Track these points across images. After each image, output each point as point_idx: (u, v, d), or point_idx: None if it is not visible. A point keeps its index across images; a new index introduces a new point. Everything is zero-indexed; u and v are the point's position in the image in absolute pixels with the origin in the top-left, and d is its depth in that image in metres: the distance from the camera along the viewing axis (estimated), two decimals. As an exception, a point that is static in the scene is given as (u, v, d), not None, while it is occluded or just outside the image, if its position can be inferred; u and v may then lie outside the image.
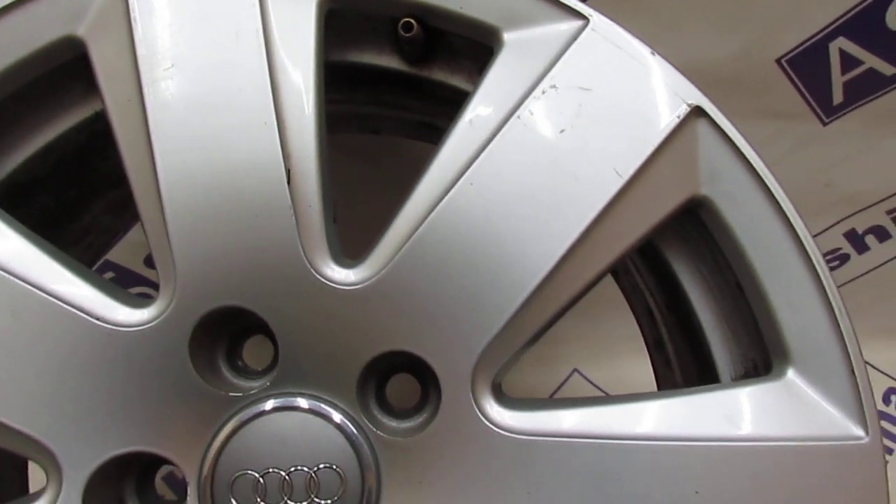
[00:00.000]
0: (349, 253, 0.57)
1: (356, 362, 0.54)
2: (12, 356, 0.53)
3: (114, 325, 0.53)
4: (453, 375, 0.53)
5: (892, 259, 1.21)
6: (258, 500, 0.53)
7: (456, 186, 0.52)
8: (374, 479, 0.54)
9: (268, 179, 0.52)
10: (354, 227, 0.66)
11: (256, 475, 0.54)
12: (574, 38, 0.53)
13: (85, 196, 0.75)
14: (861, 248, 1.19)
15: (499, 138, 0.53)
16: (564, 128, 0.53)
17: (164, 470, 0.63)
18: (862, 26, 0.92)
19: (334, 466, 0.54)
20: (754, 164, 0.53)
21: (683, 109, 0.53)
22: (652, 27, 0.90)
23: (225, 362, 0.58)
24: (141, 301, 0.55)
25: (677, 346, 0.72)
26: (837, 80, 0.97)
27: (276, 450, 0.54)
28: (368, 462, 0.54)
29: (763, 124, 1.00)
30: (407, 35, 0.57)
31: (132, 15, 0.53)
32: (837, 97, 0.98)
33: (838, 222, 1.14)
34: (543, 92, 0.53)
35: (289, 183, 0.53)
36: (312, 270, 0.53)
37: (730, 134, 0.54)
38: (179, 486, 0.62)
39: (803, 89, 0.97)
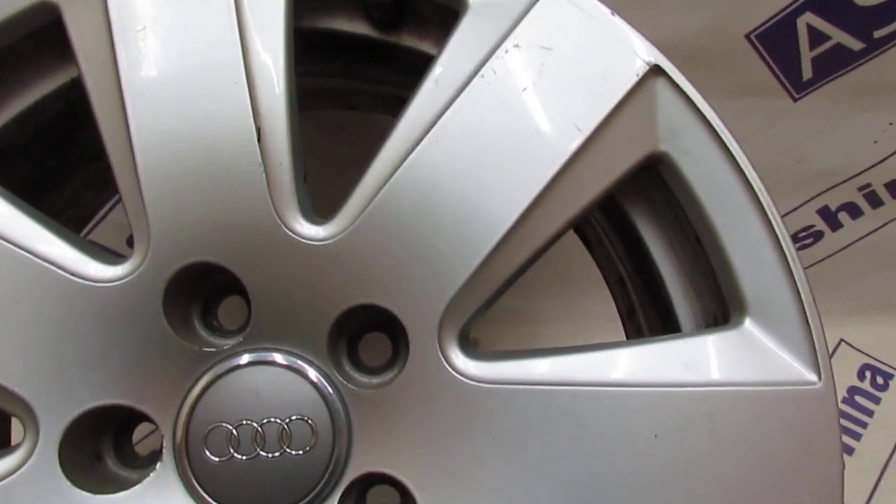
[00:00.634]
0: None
1: (327, 316, 0.55)
2: (-12, 311, 0.54)
3: (88, 280, 0.54)
4: (420, 327, 0.54)
5: (865, 236, 1.23)
6: (232, 451, 0.55)
7: (422, 143, 0.54)
8: (345, 430, 0.55)
9: (238, 137, 0.54)
10: (332, 201, 0.67)
11: (230, 427, 0.55)
12: (536, -1, 0.55)
13: (64, 168, 0.76)
14: (834, 225, 1.21)
15: (463, 96, 0.54)
16: (527, 86, 0.54)
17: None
18: (829, 1, 0.94)
19: (306, 418, 0.55)
20: (711, 121, 0.55)
21: (642, 67, 0.55)
22: (620, 1, 0.91)
23: (200, 321, 0.60)
24: (116, 258, 0.56)
25: (647, 312, 0.74)
26: (806, 55, 0.98)
27: (249, 403, 0.55)
28: (339, 413, 0.55)
29: (734, 100, 1.01)
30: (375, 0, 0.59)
31: (105, -22, 0.54)
32: (807, 73, 1.00)
33: (811, 199, 1.16)
34: (506, 52, 0.54)
35: (259, 140, 0.54)
36: (283, 226, 0.54)
37: (688, 92, 0.55)
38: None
39: (773, 65, 0.99)
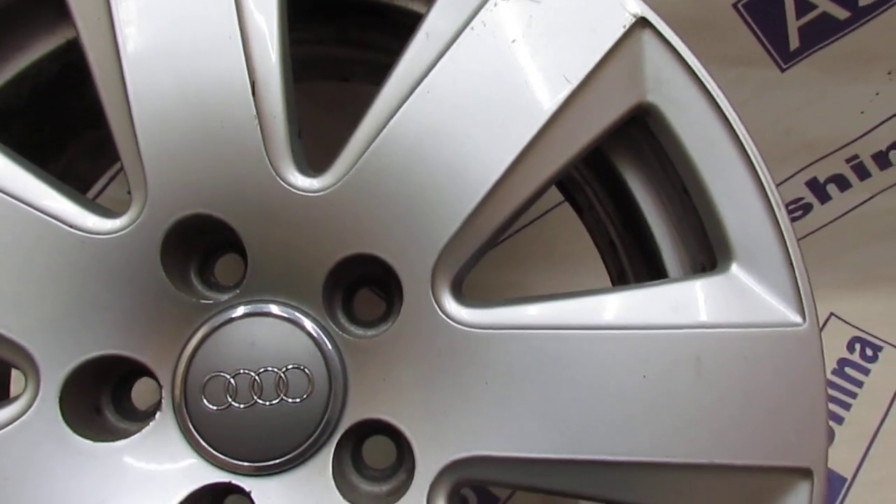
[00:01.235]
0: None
1: (322, 267, 0.56)
2: (-11, 263, 0.55)
3: (87, 232, 0.55)
4: (414, 275, 0.55)
5: (853, 209, 1.24)
6: (229, 399, 0.56)
7: (413, 95, 0.55)
8: (341, 378, 0.56)
9: (233, 90, 0.55)
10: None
11: (228, 377, 0.56)
12: (525, -48, 0.56)
13: (61, 135, 0.77)
14: (823, 197, 1.22)
15: (454, 49, 0.55)
16: (516, 38, 0.55)
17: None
18: (814, -31, 0.95)
19: (302, 367, 0.56)
20: (697, 72, 0.56)
21: (629, 19, 0.56)
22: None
23: (197, 276, 0.61)
24: (113, 212, 0.57)
25: (637, 271, 0.75)
26: (793, 24, 0.99)
27: (246, 353, 0.56)
28: (335, 362, 0.56)
29: (722, 71, 1.02)
30: (366, -42, 0.60)
31: (99, -66, 0.55)
32: (794, 42, 1.01)
33: (800, 171, 1.18)
34: (496, 4, 0.56)
35: (253, 94, 0.55)
36: (277, 178, 0.55)
37: (673, 43, 0.56)
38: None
39: (760, 35, 1.00)
